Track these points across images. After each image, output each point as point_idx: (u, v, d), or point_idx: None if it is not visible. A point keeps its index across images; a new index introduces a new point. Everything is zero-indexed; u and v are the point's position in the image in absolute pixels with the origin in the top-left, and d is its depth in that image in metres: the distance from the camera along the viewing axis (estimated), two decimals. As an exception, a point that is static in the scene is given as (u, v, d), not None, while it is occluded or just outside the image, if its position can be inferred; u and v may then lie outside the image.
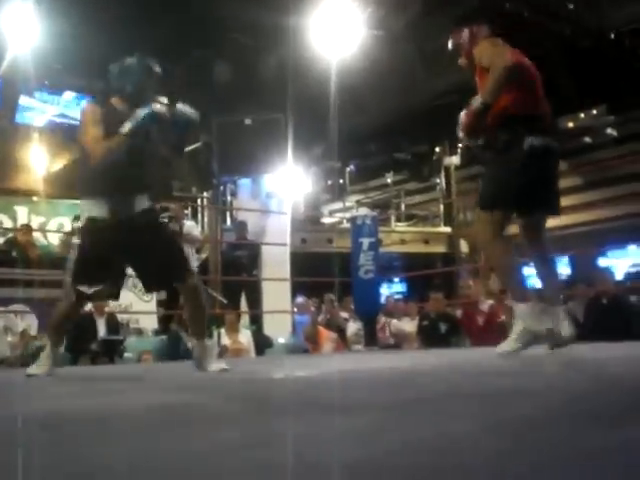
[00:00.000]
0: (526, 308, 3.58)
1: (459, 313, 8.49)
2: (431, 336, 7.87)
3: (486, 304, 7.65)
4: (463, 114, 3.69)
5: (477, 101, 3.57)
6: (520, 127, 3.56)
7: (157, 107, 3.60)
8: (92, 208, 3.66)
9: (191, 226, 9.93)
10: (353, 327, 8.65)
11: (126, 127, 3.56)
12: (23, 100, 11.14)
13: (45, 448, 1.41)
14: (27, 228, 9.65)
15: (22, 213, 11.27)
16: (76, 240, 3.79)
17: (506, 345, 3.61)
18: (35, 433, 1.58)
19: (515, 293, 3.71)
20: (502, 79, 3.49)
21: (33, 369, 3.77)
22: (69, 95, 11.28)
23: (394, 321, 8.87)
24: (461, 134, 3.75)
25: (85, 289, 3.67)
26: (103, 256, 3.64)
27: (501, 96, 3.55)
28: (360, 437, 1.41)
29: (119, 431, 1.66)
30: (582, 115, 13.11)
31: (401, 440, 1.39)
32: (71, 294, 3.75)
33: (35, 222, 10.75)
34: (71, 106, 11.14)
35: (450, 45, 3.99)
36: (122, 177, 3.62)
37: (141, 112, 3.56)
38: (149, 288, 4.13)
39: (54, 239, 10.36)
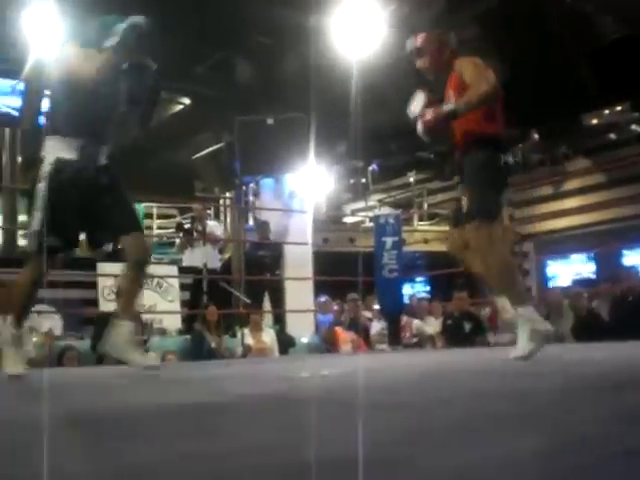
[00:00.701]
0: (529, 310, 3.52)
1: (486, 311, 8.45)
2: (455, 335, 7.85)
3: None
4: (428, 113, 3.71)
5: (449, 107, 3.63)
6: (496, 145, 3.72)
7: (135, 19, 3.38)
8: (62, 148, 3.42)
9: (214, 226, 9.98)
10: (377, 326, 8.63)
11: (112, 41, 3.33)
12: (45, 103, 11.20)
13: (78, 446, 1.41)
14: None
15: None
16: (41, 185, 3.34)
17: (520, 350, 3.49)
18: (66, 431, 1.58)
19: (518, 297, 3.64)
20: (483, 99, 3.57)
21: (12, 369, 3.36)
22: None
23: (416, 321, 8.82)
24: (420, 129, 3.80)
25: (52, 242, 3.31)
26: (69, 204, 3.34)
27: (478, 115, 3.66)
28: (382, 436, 1.40)
29: (141, 433, 1.66)
30: (606, 112, 12.97)
31: (418, 439, 1.37)
32: (36, 253, 3.35)
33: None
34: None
35: (409, 47, 3.93)
36: (94, 119, 3.42)
37: (121, 26, 3.34)
38: (96, 243, 3.67)
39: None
